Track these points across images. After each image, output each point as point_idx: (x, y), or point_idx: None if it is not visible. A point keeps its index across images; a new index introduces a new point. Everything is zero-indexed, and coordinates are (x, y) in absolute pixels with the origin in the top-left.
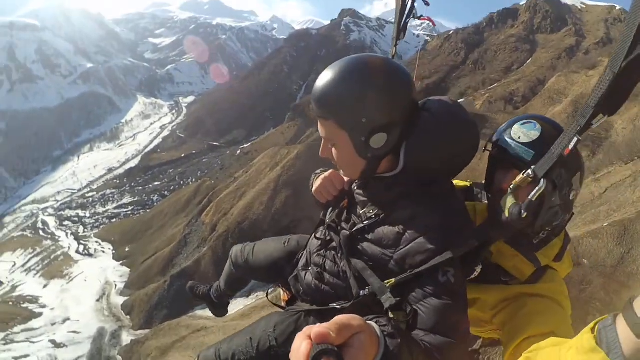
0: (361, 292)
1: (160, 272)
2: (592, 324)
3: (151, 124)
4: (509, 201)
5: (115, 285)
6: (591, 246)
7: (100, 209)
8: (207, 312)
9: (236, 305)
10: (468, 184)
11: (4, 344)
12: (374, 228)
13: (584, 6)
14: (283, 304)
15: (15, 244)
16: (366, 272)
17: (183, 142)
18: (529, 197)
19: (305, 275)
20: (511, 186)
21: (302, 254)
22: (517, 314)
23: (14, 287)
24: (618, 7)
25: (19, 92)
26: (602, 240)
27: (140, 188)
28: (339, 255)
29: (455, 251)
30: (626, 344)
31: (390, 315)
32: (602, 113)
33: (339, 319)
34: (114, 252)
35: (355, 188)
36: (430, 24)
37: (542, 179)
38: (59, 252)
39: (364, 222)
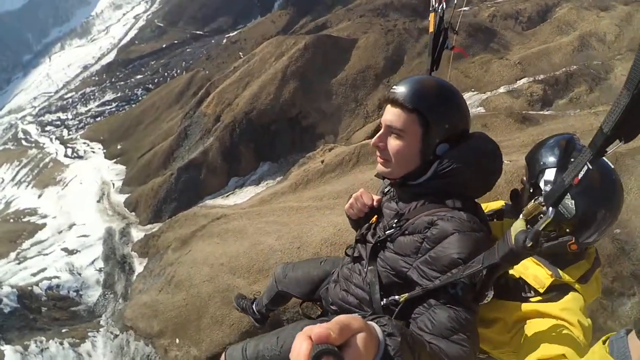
0: (382, 301)
1: (161, 166)
2: (604, 338)
3: (123, 14)
4: (518, 226)
5: (113, 184)
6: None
7: (82, 109)
8: (218, 201)
9: (247, 193)
10: (502, 203)
11: (18, 263)
12: (396, 238)
13: None
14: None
15: None
16: (374, 287)
17: (163, 32)
18: (535, 227)
19: (335, 286)
20: (523, 212)
21: (335, 270)
22: (530, 335)
23: (8, 204)
24: None
25: None
26: None
27: (122, 83)
28: (365, 266)
29: (461, 274)
30: (636, 354)
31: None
32: (619, 139)
33: (339, 319)
34: (104, 151)
35: (385, 202)
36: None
37: (551, 208)
38: (47, 159)
39: (386, 232)
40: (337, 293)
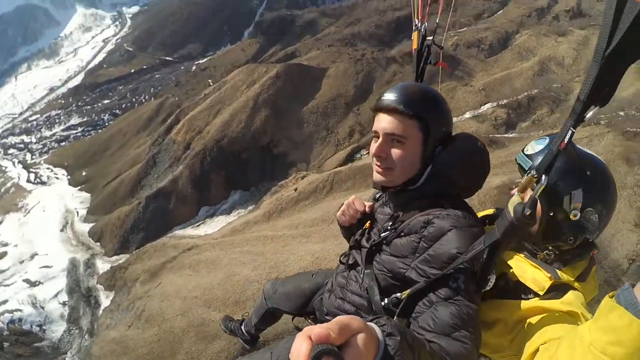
0: (383, 302)
1: (128, 194)
2: (610, 294)
3: (93, 37)
4: (515, 200)
5: (78, 212)
6: None
7: (47, 133)
8: (189, 231)
9: (218, 223)
10: (492, 210)
11: None
12: (391, 240)
13: None
14: None
15: None
16: (373, 290)
17: (132, 57)
18: (531, 195)
19: (330, 296)
20: (517, 188)
21: (328, 280)
22: (532, 328)
23: None
24: None
25: None
26: None
27: (89, 107)
28: (361, 272)
29: (464, 257)
30: None
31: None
32: (594, 104)
33: (339, 319)
34: (69, 177)
35: (378, 208)
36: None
37: (544, 176)
38: (8, 184)
39: (382, 235)
40: (333, 302)
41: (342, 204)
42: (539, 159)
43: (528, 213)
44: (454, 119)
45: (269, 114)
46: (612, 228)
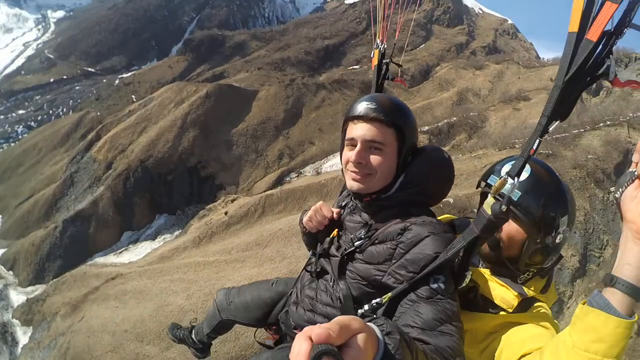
0: (359, 311)
1: (43, 217)
2: (581, 303)
3: (13, 39)
4: (490, 202)
5: None
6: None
7: None
8: (111, 258)
9: (143, 249)
10: (452, 217)
11: None
12: (365, 248)
13: (481, 12)
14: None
15: None
16: (348, 302)
17: (52, 64)
18: (507, 194)
19: (297, 309)
20: (491, 191)
21: (292, 291)
22: (508, 343)
23: None
24: (509, 22)
25: None
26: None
27: (2, 117)
28: (332, 282)
29: (445, 254)
30: (613, 300)
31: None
32: (555, 119)
33: (340, 319)
34: None
35: (347, 215)
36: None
37: (515, 177)
38: None
39: (355, 244)
40: (302, 315)
41: (305, 211)
42: (520, 194)
43: (504, 209)
44: None
45: (198, 135)
46: None
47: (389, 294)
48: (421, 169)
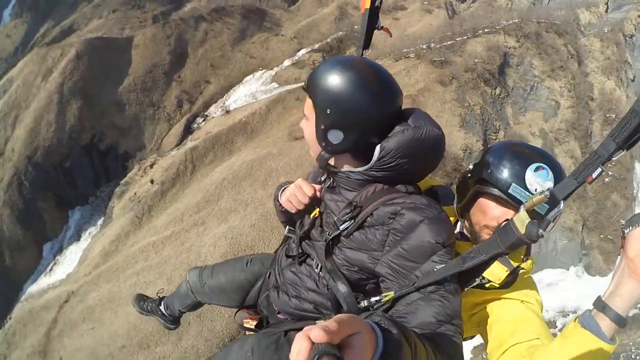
0: (362, 302)
1: None
2: (574, 317)
3: None
4: (523, 217)
5: None
6: None
7: None
8: (44, 280)
9: (73, 255)
10: (433, 182)
11: None
12: (352, 232)
13: None
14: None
15: None
16: (339, 293)
17: None
18: (547, 217)
19: (280, 294)
20: (526, 205)
21: (270, 273)
22: (497, 321)
23: None
24: None
25: None
26: None
27: None
28: (317, 268)
29: (461, 266)
30: (603, 324)
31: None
32: (622, 149)
33: (339, 318)
34: None
35: (326, 193)
36: None
37: (562, 201)
38: None
39: (340, 228)
40: (287, 302)
41: (280, 187)
42: (547, 208)
43: (542, 234)
44: (276, 69)
45: (81, 105)
46: (446, 132)
47: (391, 294)
48: (399, 150)
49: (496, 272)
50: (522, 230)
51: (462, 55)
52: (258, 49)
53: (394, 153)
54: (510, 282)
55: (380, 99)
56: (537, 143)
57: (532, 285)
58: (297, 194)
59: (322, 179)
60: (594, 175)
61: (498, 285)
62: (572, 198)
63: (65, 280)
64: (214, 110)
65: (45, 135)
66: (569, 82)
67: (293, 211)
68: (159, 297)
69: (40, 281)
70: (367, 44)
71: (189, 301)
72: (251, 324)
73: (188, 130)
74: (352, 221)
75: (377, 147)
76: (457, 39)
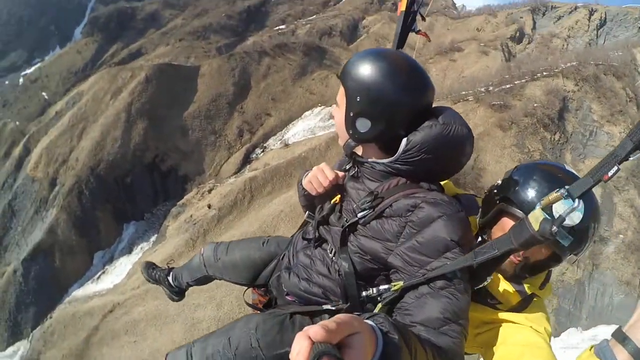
0: (363, 293)
1: None
2: (589, 347)
3: None
4: (538, 215)
5: None
6: None
7: None
8: (90, 287)
9: (122, 267)
10: (457, 190)
11: None
12: (369, 221)
13: None
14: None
15: None
16: (350, 279)
17: None
18: (561, 214)
19: (291, 276)
20: (542, 201)
21: (284, 254)
22: (505, 343)
23: None
24: None
25: None
26: None
27: None
28: (331, 253)
29: (473, 259)
30: (619, 355)
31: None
32: (639, 149)
33: (339, 318)
34: None
35: (349, 181)
36: None
37: (578, 199)
38: None
39: (358, 215)
40: (297, 284)
41: (308, 170)
42: (572, 240)
43: (555, 231)
44: (333, 107)
45: (147, 125)
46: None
47: (400, 283)
48: (424, 146)
49: (506, 295)
50: (536, 228)
51: (522, 99)
52: (318, 85)
53: (420, 147)
54: (523, 306)
55: (409, 91)
56: (595, 192)
57: (544, 313)
58: (318, 176)
59: (347, 167)
60: (610, 174)
61: (508, 308)
62: (630, 251)
63: (113, 290)
64: (273, 143)
65: (110, 149)
66: (629, 127)
67: (313, 193)
68: (168, 267)
69: (87, 287)
70: (401, 44)
71: (199, 275)
72: (258, 301)
73: (247, 160)
74: (371, 210)
75: (404, 140)
76: (516, 82)
